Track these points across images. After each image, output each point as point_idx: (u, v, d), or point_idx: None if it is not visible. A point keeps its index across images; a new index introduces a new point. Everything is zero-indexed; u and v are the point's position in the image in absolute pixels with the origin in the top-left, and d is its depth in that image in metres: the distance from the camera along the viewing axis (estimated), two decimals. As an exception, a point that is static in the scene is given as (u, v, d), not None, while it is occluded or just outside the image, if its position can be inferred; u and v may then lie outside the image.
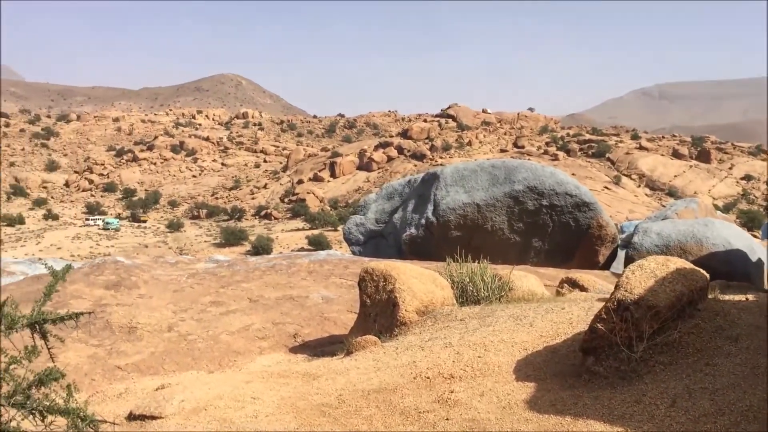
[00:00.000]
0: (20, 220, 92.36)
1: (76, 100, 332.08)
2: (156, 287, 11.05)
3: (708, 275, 5.42)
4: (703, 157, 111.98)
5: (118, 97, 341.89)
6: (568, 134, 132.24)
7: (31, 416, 2.68)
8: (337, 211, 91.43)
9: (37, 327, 2.90)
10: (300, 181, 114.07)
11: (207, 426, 4.53)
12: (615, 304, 4.79)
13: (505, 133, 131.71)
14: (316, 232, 76.58)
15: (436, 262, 12.18)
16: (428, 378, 5.11)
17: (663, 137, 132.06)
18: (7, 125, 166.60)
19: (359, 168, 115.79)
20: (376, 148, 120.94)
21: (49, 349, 2.90)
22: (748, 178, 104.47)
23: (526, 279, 8.55)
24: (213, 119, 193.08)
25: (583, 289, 8.98)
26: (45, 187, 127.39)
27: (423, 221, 16.72)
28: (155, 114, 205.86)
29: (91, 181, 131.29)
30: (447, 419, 4.36)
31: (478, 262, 8.08)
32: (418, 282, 7.32)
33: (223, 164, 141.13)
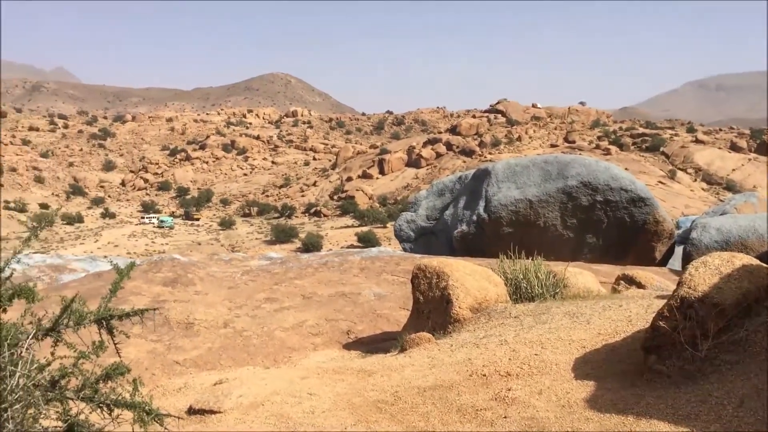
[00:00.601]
0: (79, 219, 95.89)
1: (131, 101, 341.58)
2: (211, 284, 11.24)
3: (774, 272, 5.22)
4: (763, 149, 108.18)
5: (171, 97, 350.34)
6: (620, 128, 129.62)
7: (99, 410, 2.75)
8: (385, 208, 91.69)
9: (104, 323, 2.98)
10: (349, 179, 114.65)
11: (265, 421, 4.58)
12: (678, 301, 4.64)
13: (555, 128, 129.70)
14: (365, 229, 76.99)
15: (488, 259, 12.07)
16: (484, 375, 5.05)
17: (720, 130, 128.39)
18: (66, 126, 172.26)
19: (408, 165, 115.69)
20: (425, 144, 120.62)
21: (115, 344, 2.96)
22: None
23: (581, 276, 8.39)
24: (263, 118, 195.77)
25: (640, 286, 8.76)
26: (102, 187, 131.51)
27: (474, 218, 16.58)
28: (207, 114, 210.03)
29: (146, 180, 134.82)
30: (505, 417, 4.30)
31: (532, 259, 7.96)
32: (471, 279, 7.26)
33: (273, 162, 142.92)
